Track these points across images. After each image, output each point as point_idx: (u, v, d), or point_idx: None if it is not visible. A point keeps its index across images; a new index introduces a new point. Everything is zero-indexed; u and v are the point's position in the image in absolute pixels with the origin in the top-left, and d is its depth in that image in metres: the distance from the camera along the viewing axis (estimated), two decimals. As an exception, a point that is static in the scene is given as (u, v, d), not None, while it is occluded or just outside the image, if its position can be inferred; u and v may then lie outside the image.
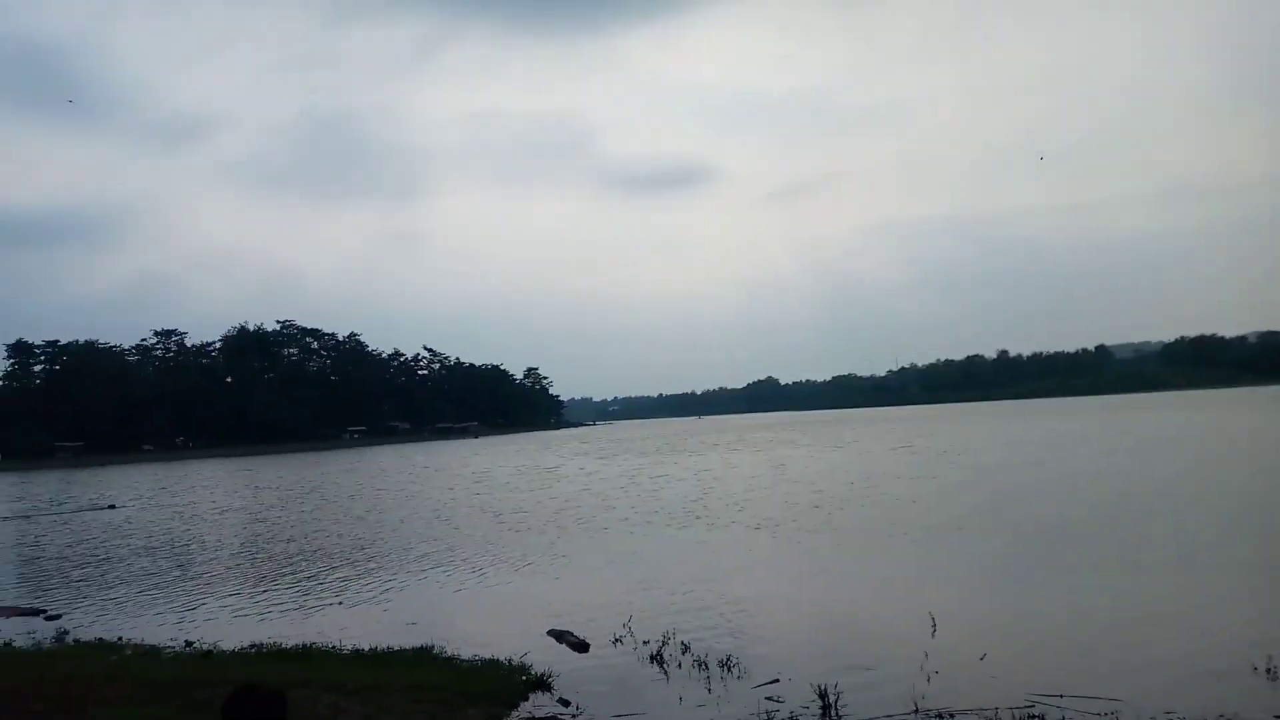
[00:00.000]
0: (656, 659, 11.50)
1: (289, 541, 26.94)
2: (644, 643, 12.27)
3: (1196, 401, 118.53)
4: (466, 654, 12.12)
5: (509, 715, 9.59)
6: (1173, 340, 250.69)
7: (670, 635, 12.22)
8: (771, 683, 10.20)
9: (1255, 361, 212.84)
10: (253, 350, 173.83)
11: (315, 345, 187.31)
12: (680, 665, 11.21)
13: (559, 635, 12.86)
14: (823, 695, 9.26)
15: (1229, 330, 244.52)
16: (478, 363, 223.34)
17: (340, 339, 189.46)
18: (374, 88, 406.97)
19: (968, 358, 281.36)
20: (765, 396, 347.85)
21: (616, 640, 12.49)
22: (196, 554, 25.60)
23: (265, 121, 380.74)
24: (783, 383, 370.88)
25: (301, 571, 21.18)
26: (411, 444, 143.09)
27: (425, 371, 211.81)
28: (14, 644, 14.08)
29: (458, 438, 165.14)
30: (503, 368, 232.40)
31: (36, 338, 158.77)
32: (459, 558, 21.54)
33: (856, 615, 14.01)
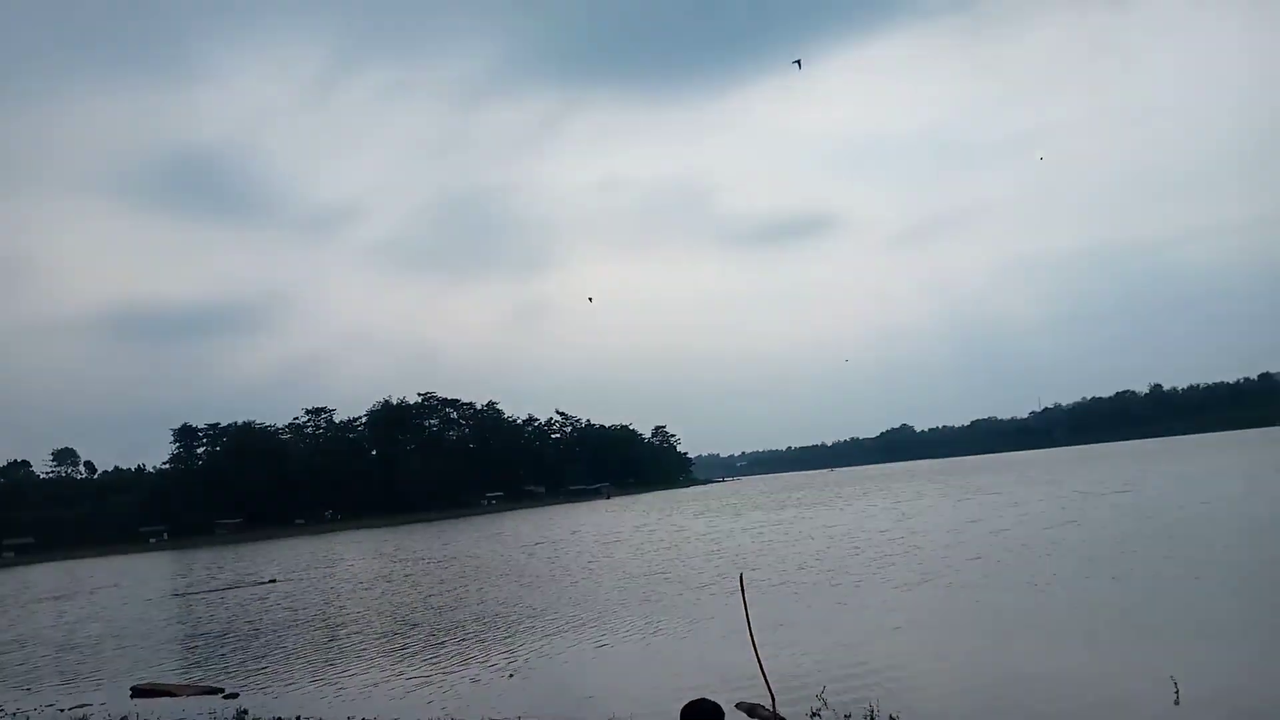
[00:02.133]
0: (860, 736, 10.45)
1: (437, 611, 26.82)
2: (845, 717, 11.22)
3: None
4: (644, 729, 11.36)
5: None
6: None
7: (875, 709, 11.14)
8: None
9: None
10: (396, 422, 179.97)
11: (454, 415, 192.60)
12: (889, 744, 10.13)
13: (750, 709, 11.91)
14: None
15: None
16: (608, 423, 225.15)
17: (478, 407, 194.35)
18: (503, 165, 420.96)
19: (1117, 394, 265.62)
20: (900, 445, 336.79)
21: (814, 715, 11.48)
22: (351, 626, 25.75)
23: (402, 206, 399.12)
24: (918, 430, 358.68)
25: (457, 640, 20.87)
26: (546, 507, 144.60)
27: (558, 435, 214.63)
28: (196, 725, 14.08)
29: (590, 499, 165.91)
30: (632, 427, 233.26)
31: (199, 421, 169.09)
32: (610, 623, 20.82)
33: (1083, 683, 12.33)
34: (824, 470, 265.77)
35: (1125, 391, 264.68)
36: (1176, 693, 10.65)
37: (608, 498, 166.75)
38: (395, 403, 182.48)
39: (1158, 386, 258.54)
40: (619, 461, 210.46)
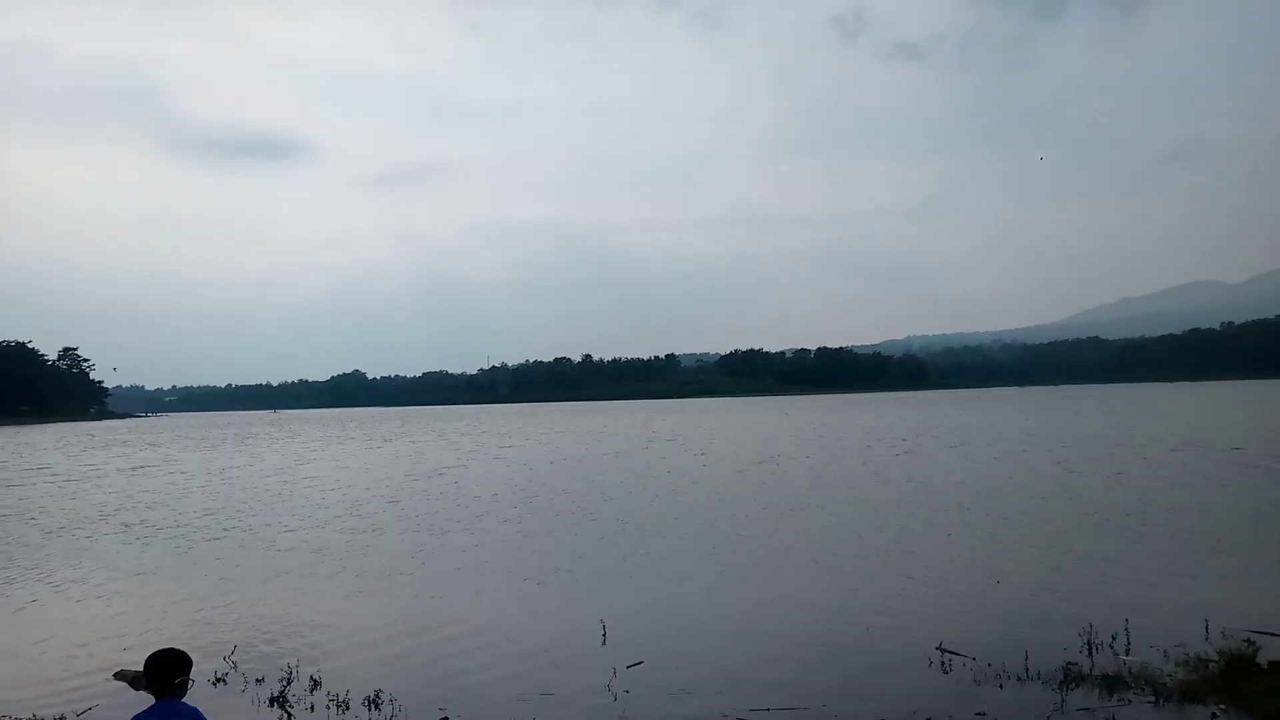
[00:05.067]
0: (279, 701, 8.94)
1: None
2: (257, 681, 9.59)
3: (717, 407, 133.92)
4: (-8, 715, 8.63)
5: (63, 810, 6.61)
6: (728, 352, 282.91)
7: (293, 670, 9.68)
8: (439, 723, 8.22)
9: (790, 373, 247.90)
10: None
11: None
12: (313, 708, 8.77)
13: (134, 680, 9.56)
14: (513, 736, 7.50)
15: (772, 346, 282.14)
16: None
17: None
18: None
19: (555, 359, 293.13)
20: (351, 390, 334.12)
21: (218, 680, 9.63)
22: None
23: None
24: (370, 377, 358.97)
25: None
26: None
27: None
28: None
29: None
30: (31, 346, 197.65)
31: None
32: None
33: (506, 629, 12.10)
34: (267, 411, 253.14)
35: (563, 358, 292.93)
36: (604, 633, 10.91)
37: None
38: None
39: (588, 356, 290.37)
40: (10, 384, 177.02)
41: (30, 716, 8.57)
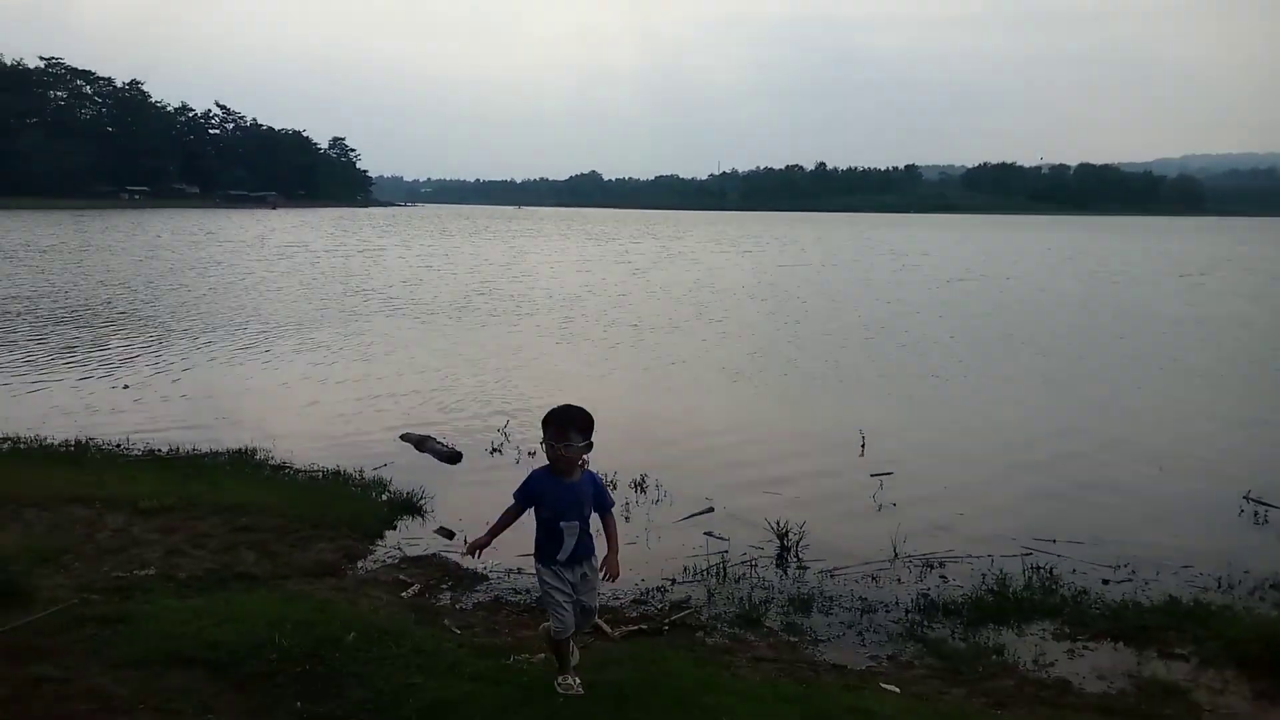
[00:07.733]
0: (550, 476, 9.35)
1: (65, 300, 22.56)
2: (529, 454, 10.08)
3: (985, 225, 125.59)
4: (301, 461, 9.56)
5: (373, 549, 7.23)
6: (975, 165, 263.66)
7: (562, 446, 10.05)
8: (704, 512, 8.29)
9: (1045, 191, 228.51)
10: (11, 89, 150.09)
11: (88, 89, 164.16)
12: (582, 486, 9.11)
13: (419, 442, 10.38)
14: (781, 535, 7.40)
15: (1027, 160, 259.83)
16: (278, 126, 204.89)
17: (119, 85, 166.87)
18: None
19: (787, 167, 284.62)
20: (586, 191, 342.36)
21: (494, 450, 10.22)
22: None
23: None
24: (605, 178, 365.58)
25: (72, 342, 17.39)
26: (199, 210, 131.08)
27: (217, 131, 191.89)
28: None
29: (253, 207, 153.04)
30: (306, 135, 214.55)
31: None
32: (275, 341, 18.38)
33: (766, 433, 12.00)
34: (511, 206, 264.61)
35: (795, 165, 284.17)
36: (863, 447, 10.59)
37: (273, 208, 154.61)
38: (9, 64, 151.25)
39: (822, 165, 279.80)
40: (289, 170, 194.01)
41: (335, 467, 9.36)
